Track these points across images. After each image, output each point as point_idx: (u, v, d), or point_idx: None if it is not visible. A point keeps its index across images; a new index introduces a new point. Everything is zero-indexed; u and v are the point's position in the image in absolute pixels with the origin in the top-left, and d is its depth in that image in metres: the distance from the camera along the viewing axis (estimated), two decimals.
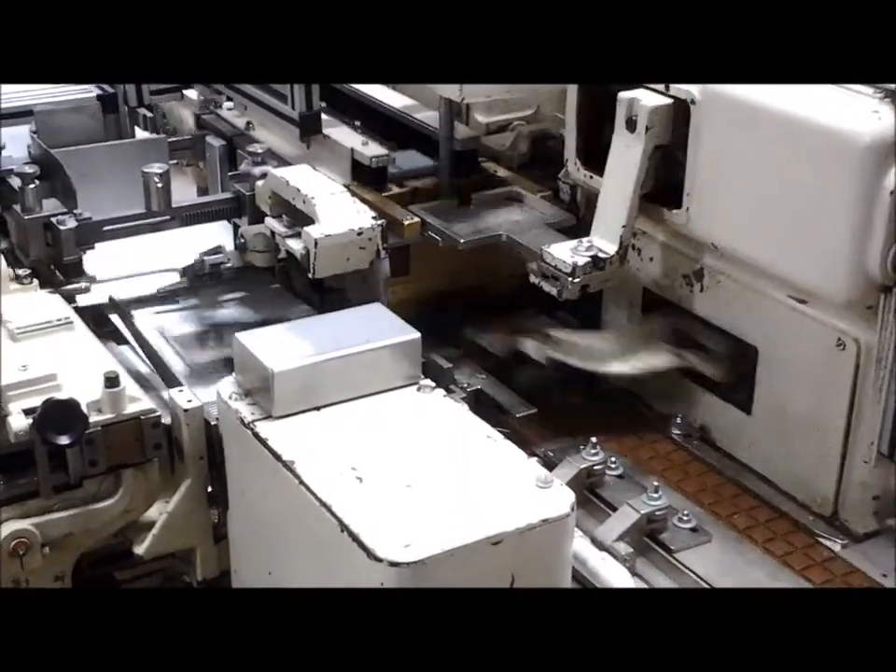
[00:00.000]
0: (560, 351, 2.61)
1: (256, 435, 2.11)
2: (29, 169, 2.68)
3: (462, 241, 2.66)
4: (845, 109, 2.19)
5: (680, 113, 2.43)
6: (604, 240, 2.49)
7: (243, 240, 2.81)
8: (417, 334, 2.25)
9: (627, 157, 2.48)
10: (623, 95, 2.47)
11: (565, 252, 2.46)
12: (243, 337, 2.22)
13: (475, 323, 2.89)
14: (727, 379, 2.51)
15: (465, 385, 2.60)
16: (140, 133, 3.29)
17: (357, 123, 3.14)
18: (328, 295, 2.73)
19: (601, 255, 2.46)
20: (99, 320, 2.72)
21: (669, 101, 2.43)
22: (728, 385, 2.53)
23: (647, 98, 2.44)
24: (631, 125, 2.45)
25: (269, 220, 2.70)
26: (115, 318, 2.78)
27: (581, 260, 2.44)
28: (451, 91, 2.67)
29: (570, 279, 2.43)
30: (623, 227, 2.47)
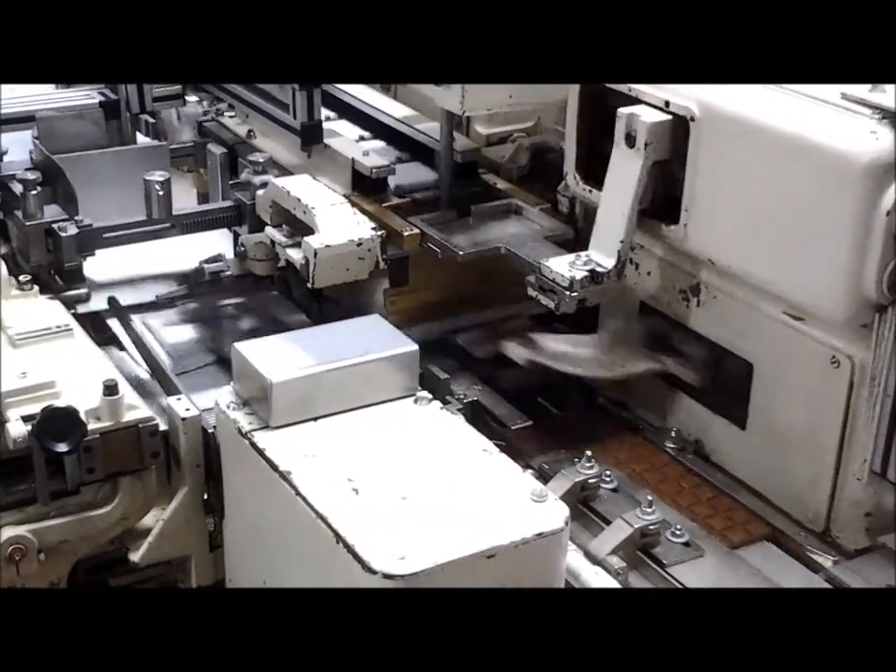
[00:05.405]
0: (541, 355, 2.60)
1: (253, 445, 2.12)
2: (31, 175, 2.69)
3: (461, 253, 2.67)
4: (843, 129, 2.19)
5: (680, 129, 2.44)
6: (602, 254, 2.49)
7: (243, 248, 2.82)
8: (415, 346, 2.27)
9: (626, 172, 2.49)
10: (623, 111, 2.48)
11: (563, 266, 2.46)
12: (241, 346, 2.24)
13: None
14: (703, 384, 2.54)
15: (461, 396, 2.61)
16: (142, 140, 3.30)
17: (368, 134, 3.14)
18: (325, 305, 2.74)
19: (599, 269, 2.46)
20: (98, 325, 2.74)
21: (669, 117, 2.44)
22: (704, 388, 2.56)
23: (646, 114, 2.45)
24: (630, 140, 2.47)
25: (269, 230, 2.71)
26: (114, 323, 2.79)
27: (579, 274, 2.44)
28: (452, 103, 2.68)
29: (568, 293, 2.44)
30: (622, 242, 2.48)
